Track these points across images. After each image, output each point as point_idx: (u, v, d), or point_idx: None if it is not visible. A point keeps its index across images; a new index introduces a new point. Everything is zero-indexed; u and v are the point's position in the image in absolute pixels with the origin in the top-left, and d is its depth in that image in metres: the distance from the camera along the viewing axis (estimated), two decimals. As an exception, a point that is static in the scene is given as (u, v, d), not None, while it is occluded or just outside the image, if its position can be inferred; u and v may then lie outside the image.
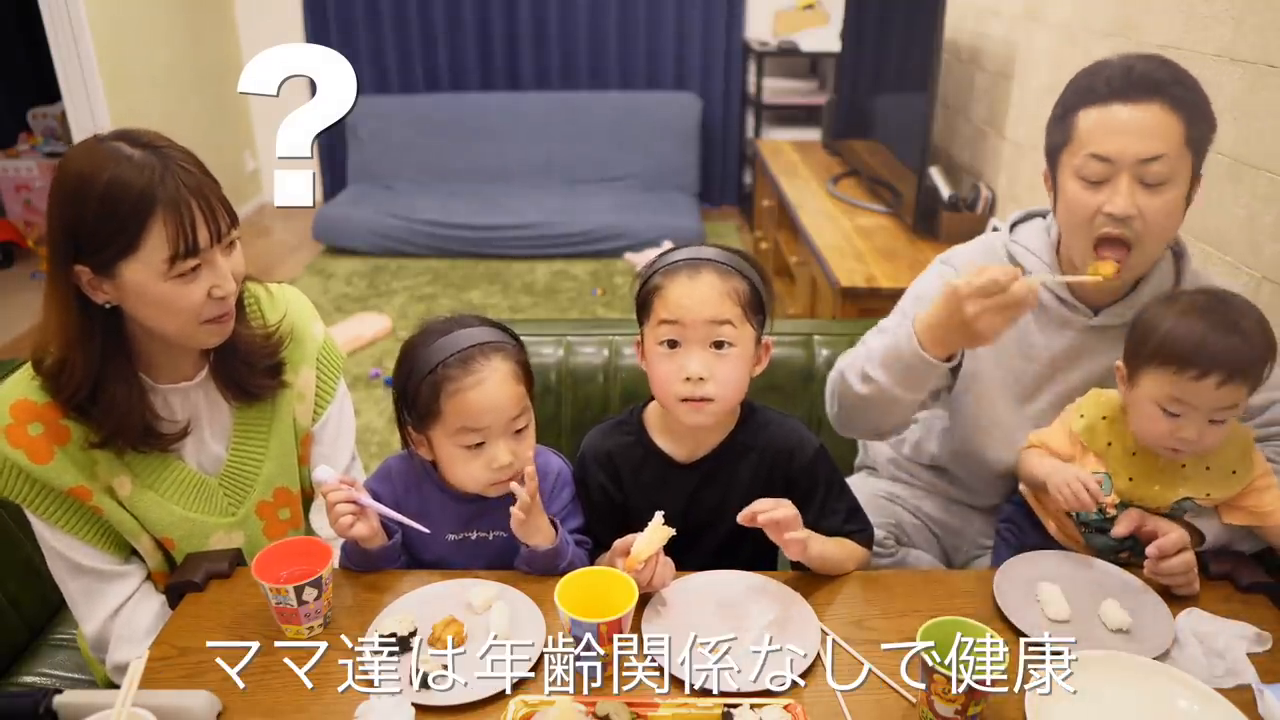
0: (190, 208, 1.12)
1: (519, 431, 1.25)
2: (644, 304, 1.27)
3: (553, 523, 1.27)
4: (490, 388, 1.21)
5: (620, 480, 1.35)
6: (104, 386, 1.20)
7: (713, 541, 1.33)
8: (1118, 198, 1.27)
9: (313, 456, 1.43)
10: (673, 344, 1.24)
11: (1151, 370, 1.21)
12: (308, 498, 1.45)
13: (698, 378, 1.22)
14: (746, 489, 1.31)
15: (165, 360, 1.27)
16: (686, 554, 1.26)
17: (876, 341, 1.42)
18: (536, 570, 1.25)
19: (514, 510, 1.21)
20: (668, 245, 1.39)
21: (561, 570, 1.22)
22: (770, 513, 1.17)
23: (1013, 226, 1.52)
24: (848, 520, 1.31)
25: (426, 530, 1.25)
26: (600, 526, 1.35)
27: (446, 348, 1.22)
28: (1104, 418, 1.31)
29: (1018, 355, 1.47)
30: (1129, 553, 1.32)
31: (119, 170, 1.10)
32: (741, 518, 1.17)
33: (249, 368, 1.31)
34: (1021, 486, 1.44)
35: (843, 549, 1.28)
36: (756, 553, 1.30)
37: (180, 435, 1.29)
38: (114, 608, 1.29)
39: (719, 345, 1.22)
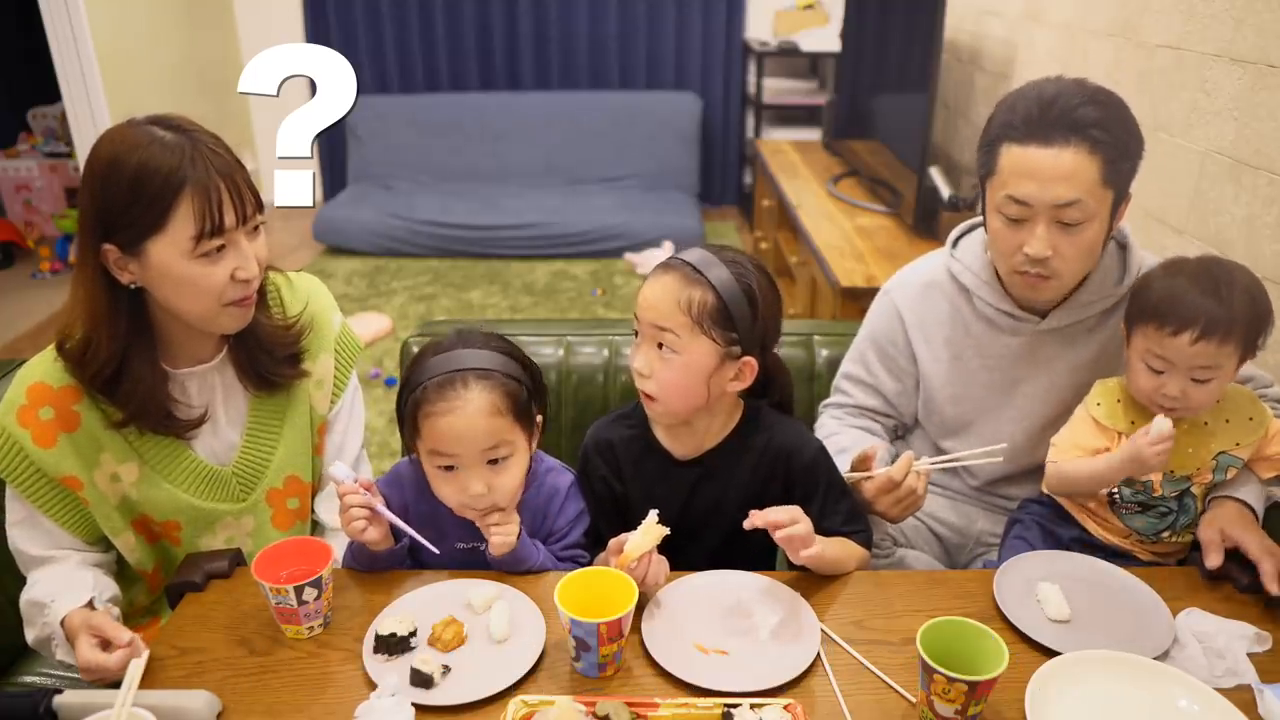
0: (218, 188, 1.15)
1: (497, 462, 1.22)
2: None
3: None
4: (460, 418, 1.19)
5: (620, 472, 1.35)
6: (128, 368, 1.23)
7: (712, 539, 1.33)
8: (1035, 241, 1.31)
9: (326, 445, 1.44)
10: (637, 334, 1.27)
11: (1139, 326, 1.28)
12: (317, 490, 1.46)
13: (639, 373, 1.25)
14: (746, 488, 1.31)
15: (183, 343, 1.29)
16: (685, 551, 1.27)
17: (833, 445, 1.48)
18: (503, 567, 1.27)
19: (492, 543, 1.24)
20: (668, 245, 1.39)
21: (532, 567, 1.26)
22: (790, 529, 1.16)
23: (957, 240, 1.55)
24: (847, 521, 1.31)
25: (437, 552, 1.24)
26: (601, 519, 1.36)
27: (434, 368, 1.21)
28: (1118, 400, 1.34)
29: (980, 368, 1.51)
30: (1170, 531, 1.34)
31: (150, 151, 1.14)
32: (751, 522, 1.17)
33: (270, 356, 1.33)
34: (1047, 490, 1.45)
35: (844, 549, 1.28)
36: (755, 552, 1.30)
37: (197, 423, 1.30)
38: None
39: (661, 347, 1.23)
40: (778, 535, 1.16)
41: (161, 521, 1.33)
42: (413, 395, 1.22)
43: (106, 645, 1.12)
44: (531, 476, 1.31)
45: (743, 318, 1.22)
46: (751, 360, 1.26)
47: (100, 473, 1.27)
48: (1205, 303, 1.21)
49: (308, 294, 1.41)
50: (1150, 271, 1.32)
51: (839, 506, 1.32)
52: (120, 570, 1.38)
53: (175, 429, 1.29)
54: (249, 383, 1.34)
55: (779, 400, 1.37)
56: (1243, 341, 1.23)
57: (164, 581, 1.39)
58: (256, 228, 1.23)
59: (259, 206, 1.22)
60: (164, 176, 1.13)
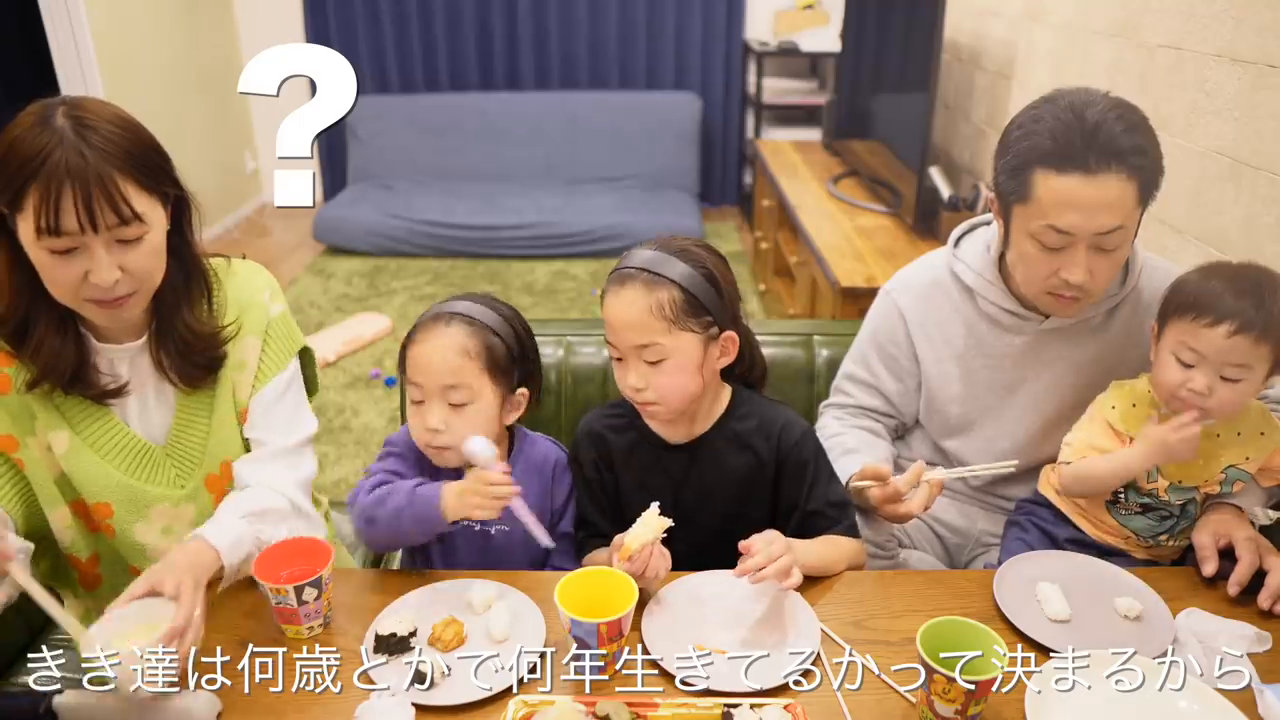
0: (63, 187, 1.09)
1: (457, 406, 1.27)
2: None
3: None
4: (428, 348, 1.27)
5: (611, 461, 1.37)
6: (33, 325, 1.20)
7: (704, 527, 1.33)
8: (1075, 268, 1.30)
9: (247, 429, 1.36)
10: (617, 357, 1.28)
11: (1173, 321, 1.27)
12: None
13: (634, 389, 1.27)
14: (736, 470, 1.33)
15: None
16: (677, 537, 1.26)
17: (838, 446, 1.49)
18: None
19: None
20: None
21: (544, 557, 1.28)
22: (767, 571, 1.14)
23: (959, 240, 1.55)
24: (833, 505, 1.33)
25: (552, 544, 1.25)
26: (593, 507, 1.37)
27: (431, 310, 1.32)
28: (1133, 405, 1.34)
29: (983, 368, 1.51)
30: (1168, 535, 1.34)
31: (29, 130, 1.11)
32: (742, 570, 1.15)
33: (183, 359, 1.28)
34: (1042, 487, 1.45)
35: (831, 549, 1.28)
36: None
37: (115, 392, 1.26)
38: None
39: (650, 359, 1.25)
40: (755, 581, 1.15)
41: (94, 504, 1.29)
42: (408, 334, 1.29)
43: None
44: (517, 449, 1.38)
45: (710, 298, 1.26)
46: (731, 334, 1.29)
47: (35, 440, 1.25)
48: (1243, 302, 1.21)
49: (244, 282, 1.35)
50: (1187, 273, 1.31)
51: (827, 488, 1.34)
52: (53, 567, 1.35)
53: (86, 391, 1.25)
54: (164, 374, 1.30)
55: (756, 371, 1.40)
56: (1276, 347, 1.22)
57: (99, 578, 1.36)
58: (133, 240, 1.15)
59: (127, 218, 1.13)
60: (21, 160, 1.09)
